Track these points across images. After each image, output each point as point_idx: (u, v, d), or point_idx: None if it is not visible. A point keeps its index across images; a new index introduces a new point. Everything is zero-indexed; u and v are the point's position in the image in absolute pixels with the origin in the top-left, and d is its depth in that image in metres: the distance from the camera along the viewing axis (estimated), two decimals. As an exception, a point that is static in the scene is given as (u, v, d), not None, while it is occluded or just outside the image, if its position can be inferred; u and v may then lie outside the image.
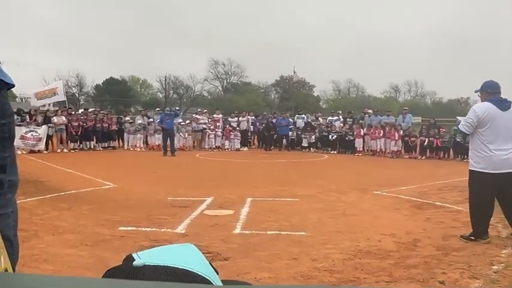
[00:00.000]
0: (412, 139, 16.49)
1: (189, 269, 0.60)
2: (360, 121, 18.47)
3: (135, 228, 5.10)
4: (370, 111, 19.26)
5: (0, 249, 1.16)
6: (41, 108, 17.42)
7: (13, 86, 1.45)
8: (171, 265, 0.59)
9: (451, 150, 15.85)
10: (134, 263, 0.60)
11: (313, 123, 19.51)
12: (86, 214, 5.86)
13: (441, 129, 16.43)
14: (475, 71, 63.44)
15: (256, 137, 20.94)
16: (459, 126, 4.99)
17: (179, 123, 18.14)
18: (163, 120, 15.95)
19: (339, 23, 76.26)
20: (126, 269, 0.60)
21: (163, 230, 5.08)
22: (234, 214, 5.96)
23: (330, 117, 20.12)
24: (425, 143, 16.15)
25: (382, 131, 16.69)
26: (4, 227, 1.39)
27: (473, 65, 65.42)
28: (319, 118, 20.63)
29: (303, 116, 20.90)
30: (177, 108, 21.17)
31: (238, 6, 75.54)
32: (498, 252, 4.31)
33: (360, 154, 17.13)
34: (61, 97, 17.23)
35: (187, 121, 19.48)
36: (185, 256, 0.64)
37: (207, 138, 19.00)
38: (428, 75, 77.26)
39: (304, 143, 18.82)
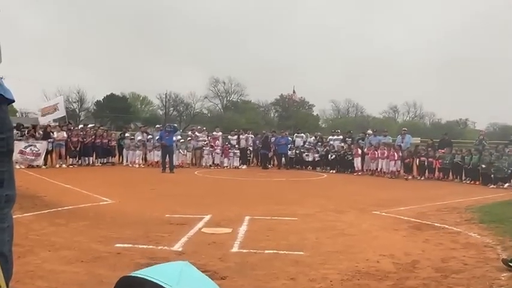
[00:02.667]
0: (406, 160, 16.49)
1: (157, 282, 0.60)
2: (360, 141, 18.51)
3: (132, 245, 5.05)
4: (370, 131, 19.35)
5: (-6, 265, 1.15)
6: (41, 123, 17.44)
7: (13, 101, 1.45)
8: (159, 281, 0.59)
9: (450, 171, 15.87)
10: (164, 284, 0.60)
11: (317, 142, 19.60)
12: (82, 230, 5.82)
13: (440, 151, 16.47)
14: (474, 93, 64.08)
15: (253, 155, 20.88)
16: None
17: (178, 140, 18.15)
18: (163, 137, 15.96)
19: (339, 43, 77.12)
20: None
21: (160, 247, 5.04)
22: (231, 232, 5.91)
23: (330, 137, 20.17)
24: (425, 164, 16.17)
25: (383, 152, 16.70)
26: None
27: (473, 86, 66.07)
28: (319, 137, 20.67)
29: (302, 135, 20.97)
30: (174, 124, 21.21)
31: (238, 25, 76.52)
32: (498, 275, 4.26)
33: (359, 174, 17.11)
34: (62, 113, 17.31)
35: (188, 138, 19.50)
36: (190, 274, 0.64)
37: (205, 156, 18.98)
38: (427, 97, 77.92)
39: (309, 158, 18.80)
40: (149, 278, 0.61)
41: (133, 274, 0.63)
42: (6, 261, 1.36)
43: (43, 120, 17.34)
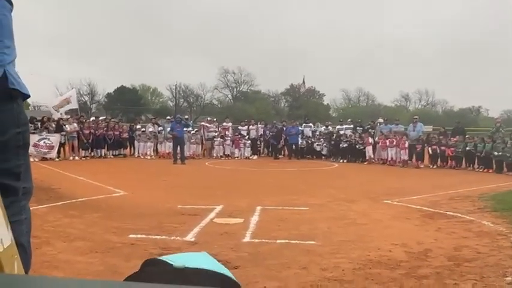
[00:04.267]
0: (418, 149, 16.39)
1: (226, 275, 0.62)
2: (370, 130, 18.42)
3: (145, 236, 5.12)
4: (381, 120, 19.23)
5: (14, 256, 1.18)
6: (53, 116, 17.65)
7: (28, 96, 1.48)
8: (210, 269, 0.61)
9: (463, 159, 15.73)
10: (175, 265, 0.61)
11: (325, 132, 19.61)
12: (96, 221, 5.90)
13: (453, 139, 16.33)
14: (486, 80, 63.13)
15: (263, 145, 20.92)
16: None
17: (189, 131, 18.24)
18: (174, 128, 16.05)
19: (349, 31, 76.38)
20: (167, 271, 0.62)
21: (172, 238, 5.09)
22: (243, 222, 5.95)
23: (338, 126, 20.13)
24: (437, 152, 16.05)
25: (393, 140, 16.61)
26: (18, 233, 1.41)
27: (485, 73, 65.07)
28: (329, 127, 20.63)
29: (310, 124, 20.93)
30: (186, 117, 21.28)
31: (248, 14, 76.13)
32: (511, 263, 4.24)
33: (371, 163, 17.04)
34: (74, 105, 17.54)
35: (196, 129, 19.59)
36: (215, 263, 0.66)
37: (216, 147, 19.05)
38: (439, 84, 76.97)
39: (319, 149, 18.82)
40: (162, 258, 0.65)
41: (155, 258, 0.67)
42: (25, 252, 1.40)
43: (57, 115, 17.55)
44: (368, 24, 75.82)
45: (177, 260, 0.63)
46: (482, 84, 64.60)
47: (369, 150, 17.31)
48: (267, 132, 20.27)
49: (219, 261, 0.68)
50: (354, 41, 74.37)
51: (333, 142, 18.59)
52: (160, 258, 0.65)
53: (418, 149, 16.44)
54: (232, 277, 0.64)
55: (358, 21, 76.87)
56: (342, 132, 18.84)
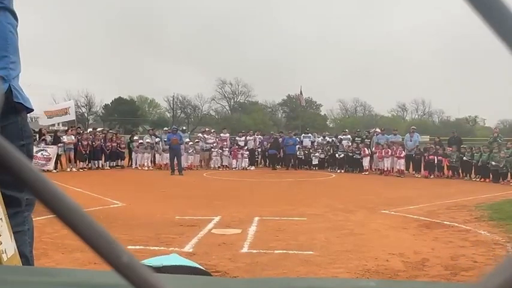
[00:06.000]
0: (417, 157, 16.49)
1: (199, 267, 0.68)
2: (366, 140, 18.51)
3: (143, 247, 5.12)
4: (378, 130, 19.33)
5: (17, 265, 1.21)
6: (50, 128, 17.65)
7: (32, 110, 1.52)
8: (187, 264, 0.67)
9: (460, 169, 15.80)
10: (153, 265, 0.66)
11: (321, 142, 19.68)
12: (94, 233, 5.89)
13: (448, 149, 16.42)
14: (482, 90, 63.58)
15: (261, 156, 20.95)
16: None
17: (186, 142, 18.27)
18: (170, 139, 16.12)
19: (346, 41, 76.91)
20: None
21: (171, 249, 5.10)
22: (241, 233, 5.96)
23: (340, 136, 20.21)
24: (434, 162, 16.12)
25: (386, 151, 16.70)
26: (21, 244, 1.44)
27: (481, 83, 65.54)
28: (326, 137, 20.69)
29: (309, 135, 21.01)
30: (183, 128, 21.34)
31: (245, 26, 76.65)
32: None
33: (367, 173, 17.09)
34: (72, 116, 17.54)
35: (196, 140, 19.62)
36: (186, 260, 0.72)
37: (213, 158, 19.06)
38: (436, 94, 77.37)
39: (315, 161, 18.88)
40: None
41: None
42: (28, 262, 1.43)
43: (46, 122, 17.46)
44: (364, 34, 76.35)
45: (153, 262, 0.69)
46: (478, 94, 65.00)
47: (366, 160, 17.38)
48: (265, 143, 20.32)
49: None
50: (351, 52, 74.79)
51: (330, 152, 18.65)
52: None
53: (415, 159, 16.53)
54: (203, 268, 0.70)
55: (354, 32, 77.47)
56: (344, 142, 18.86)
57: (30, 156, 1.51)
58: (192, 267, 0.69)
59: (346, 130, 21.47)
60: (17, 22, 1.49)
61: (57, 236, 5.65)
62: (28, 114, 1.53)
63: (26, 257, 1.43)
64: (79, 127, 19.23)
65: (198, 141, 19.32)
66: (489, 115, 69.52)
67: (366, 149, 17.52)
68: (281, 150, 19.35)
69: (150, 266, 0.67)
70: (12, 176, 0.19)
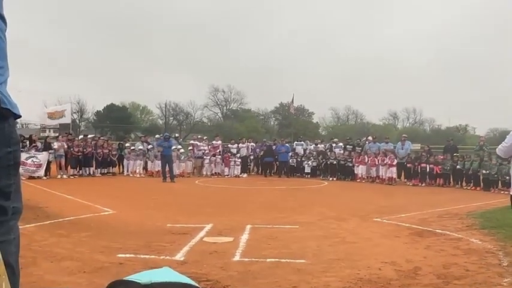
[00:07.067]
0: (408, 165, 16.57)
1: (194, 284, 0.65)
2: (357, 148, 18.59)
3: (134, 256, 5.06)
4: (370, 138, 19.43)
5: (2, 276, 1.17)
6: (41, 134, 17.57)
7: (20, 116, 1.48)
8: (178, 281, 0.64)
9: (451, 177, 15.89)
10: (142, 282, 0.63)
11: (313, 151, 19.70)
12: (84, 241, 5.82)
13: (440, 157, 16.52)
14: (473, 99, 64.23)
15: (254, 163, 20.92)
16: (496, 150, 4.82)
17: (178, 149, 18.20)
18: (161, 146, 16.08)
19: (338, 50, 77.38)
20: None
21: (162, 257, 5.04)
22: (233, 241, 5.92)
23: (333, 144, 20.25)
24: (426, 170, 16.19)
25: (382, 158, 16.75)
26: (6, 253, 1.40)
27: (472, 92, 66.26)
28: (319, 145, 20.72)
29: (302, 143, 21.05)
30: (176, 135, 21.28)
31: (238, 33, 76.89)
32: (499, 280, 4.27)
33: (359, 181, 17.13)
34: (67, 119, 17.56)
35: (189, 147, 19.56)
36: (177, 275, 0.69)
37: (206, 165, 18.99)
38: (427, 102, 78.07)
39: (307, 169, 18.90)
40: (126, 278, 0.67)
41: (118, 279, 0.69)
42: (13, 272, 1.38)
43: (48, 122, 17.52)
44: (356, 43, 76.89)
45: (143, 277, 0.66)
46: (469, 104, 65.61)
47: (358, 168, 17.43)
48: (257, 150, 20.30)
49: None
50: (343, 60, 75.23)
51: (323, 161, 18.69)
52: (126, 278, 0.67)
53: (406, 167, 16.60)
54: (196, 284, 0.67)
55: (346, 41, 77.98)
56: (337, 150, 18.90)
57: (17, 163, 1.47)
58: (183, 283, 0.67)
59: (336, 139, 21.51)
60: (6, 26, 1.46)
61: (46, 244, 5.57)
62: (19, 121, 1.50)
63: (11, 267, 1.39)
64: (70, 133, 19.09)
65: (191, 149, 19.26)
66: (479, 123, 70.17)
67: (359, 156, 17.58)
68: (276, 158, 19.37)
69: (139, 284, 0.64)
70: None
